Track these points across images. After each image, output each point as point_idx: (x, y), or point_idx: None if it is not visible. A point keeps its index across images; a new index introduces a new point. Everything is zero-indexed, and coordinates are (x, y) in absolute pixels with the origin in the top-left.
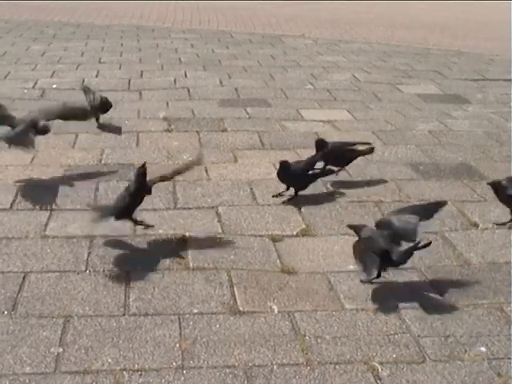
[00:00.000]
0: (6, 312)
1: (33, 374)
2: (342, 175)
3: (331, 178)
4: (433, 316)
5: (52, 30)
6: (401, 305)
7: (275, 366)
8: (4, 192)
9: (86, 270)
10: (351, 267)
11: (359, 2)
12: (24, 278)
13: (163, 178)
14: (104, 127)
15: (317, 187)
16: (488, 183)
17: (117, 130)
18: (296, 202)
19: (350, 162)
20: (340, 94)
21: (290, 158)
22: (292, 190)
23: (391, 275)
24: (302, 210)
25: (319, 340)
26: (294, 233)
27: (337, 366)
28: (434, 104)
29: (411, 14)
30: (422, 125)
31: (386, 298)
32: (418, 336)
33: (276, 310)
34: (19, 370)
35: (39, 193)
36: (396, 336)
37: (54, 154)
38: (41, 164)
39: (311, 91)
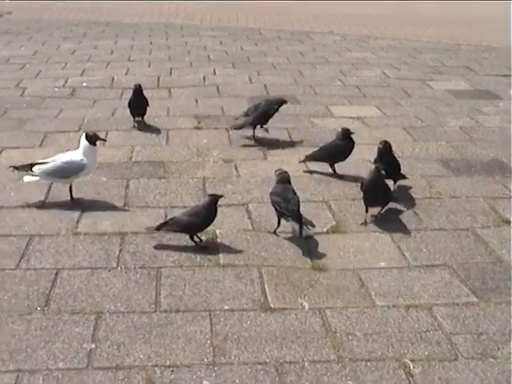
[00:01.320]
0: (39, 308)
1: (66, 369)
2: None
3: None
4: (465, 313)
5: (82, 29)
6: (432, 302)
7: (306, 363)
8: (36, 189)
9: (117, 267)
10: (382, 264)
11: None
12: (56, 274)
13: None
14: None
15: (346, 184)
16: None
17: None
18: (326, 199)
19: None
20: (369, 90)
21: None
22: None
23: (422, 271)
24: (332, 206)
25: (350, 337)
26: (325, 230)
27: (368, 363)
28: (464, 100)
29: (440, 10)
30: (453, 121)
31: (418, 295)
32: (450, 333)
33: (307, 307)
34: (53, 366)
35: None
36: (428, 333)
37: None
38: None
39: (340, 88)
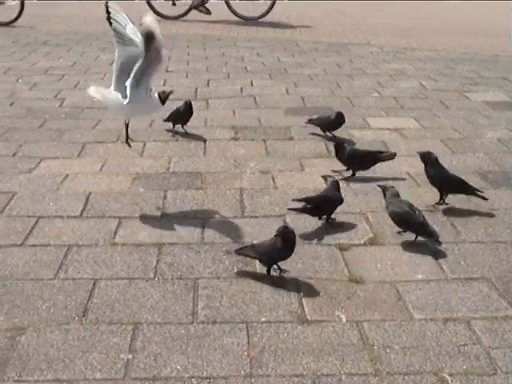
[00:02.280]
0: (76, 318)
1: (103, 379)
2: (410, 183)
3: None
4: (504, 327)
5: None
6: (471, 315)
7: (343, 376)
8: (74, 200)
9: (154, 278)
10: (420, 276)
11: (425, 9)
12: (94, 284)
13: None
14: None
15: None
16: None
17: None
18: (363, 210)
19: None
20: (407, 101)
21: None
22: None
23: (460, 284)
24: (370, 218)
25: (388, 350)
26: (362, 241)
27: (406, 377)
28: (502, 112)
29: (478, 21)
30: (491, 133)
31: (456, 309)
32: (489, 347)
33: (344, 320)
34: (90, 376)
35: (108, 200)
36: (466, 347)
37: (122, 162)
38: (110, 172)
39: (378, 99)
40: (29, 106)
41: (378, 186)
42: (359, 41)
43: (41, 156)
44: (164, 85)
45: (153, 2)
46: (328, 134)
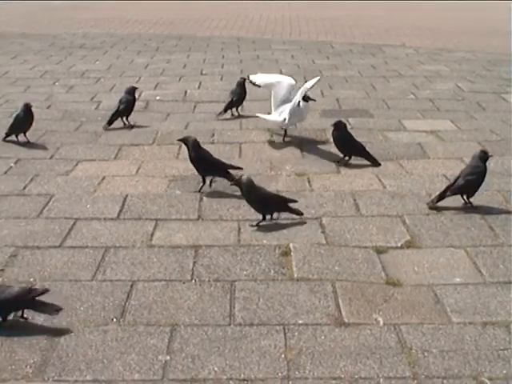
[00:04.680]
0: (114, 319)
1: (141, 380)
2: (446, 185)
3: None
4: None
5: (155, 43)
6: (510, 319)
7: (381, 379)
8: (111, 202)
9: (191, 280)
10: (457, 280)
11: (460, 10)
12: (131, 286)
13: None
14: None
15: (420, 198)
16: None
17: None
18: (400, 213)
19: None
20: (443, 103)
21: (393, 169)
22: None
23: (499, 288)
24: (407, 221)
25: (426, 353)
26: (399, 244)
27: (444, 381)
28: None
29: None
30: None
31: (495, 312)
32: None
33: (381, 322)
34: (128, 377)
35: (145, 203)
36: (505, 351)
37: (158, 164)
38: (146, 174)
39: (413, 101)
40: (65, 109)
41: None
42: (394, 42)
43: (78, 158)
44: (199, 87)
45: None
46: None
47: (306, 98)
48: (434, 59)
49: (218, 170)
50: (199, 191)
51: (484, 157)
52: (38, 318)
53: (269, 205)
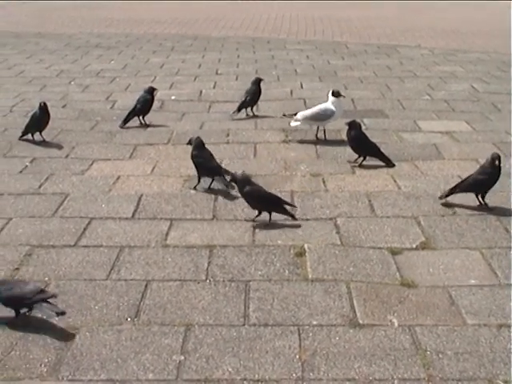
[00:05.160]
0: (129, 319)
1: (155, 380)
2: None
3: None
4: None
5: (170, 43)
6: None
7: (396, 381)
8: (126, 201)
9: (206, 280)
10: (472, 281)
11: (475, 11)
12: (146, 285)
13: None
14: None
15: (435, 199)
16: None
17: None
18: (415, 214)
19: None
20: (458, 104)
21: (408, 169)
22: None
23: None
24: (422, 222)
25: (441, 355)
26: (414, 246)
27: (459, 383)
28: None
29: None
30: None
31: (510, 314)
32: None
33: (396, 324)
34: (142, 377)
35: (160, 202)
36: None
37: (173, 164)
38: (161, 174)
39: (428, 102)
40: (81, 108)
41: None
42: (409, 43)
43: (93, 158)
44: (214, 87)
45: None
46: None
47: (335, 94)
48: (449, 60)
49: (215, 173)
50: (194, 188)
51: (496, 158)
52: (53, 318)
53: (262, 202)
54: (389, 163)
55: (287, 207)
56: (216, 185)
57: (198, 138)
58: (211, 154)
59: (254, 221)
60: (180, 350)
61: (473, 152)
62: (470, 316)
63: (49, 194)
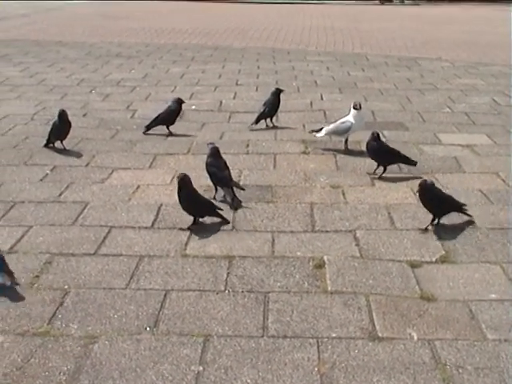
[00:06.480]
0: (148, 328)
1: None
2: (482, 199)
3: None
4: None
5: (190, 53)
6: None
7: None
8: (146, 211)
9: (225, 290)
10: (493, 296)
11: (496, 24)
12: (165, 295)
13: None
14: None
15: (456, 213)
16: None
17: None
18: (436, 227)
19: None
20: (479, 117)
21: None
22: None
23: None
24: (442, 235)
25: (461, 370)
26: (434, 259)
27: None
28: None
29: None
30: None
31: None
32: None
33: (416, 338)
34: None
35: (179, 212)
36: None
37: (193, 174)
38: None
39: (449, 115)
40: (101, 117)
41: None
42: (430, 55)
43: (113, 166)
44: (234, 98)
45: None
46: None
47: (356, 107)
48: (470, 73)
49: (224, 184)
50: (213, 198)
51: None
52: (72, 326)
53: (197, 206)
54: (411, 162)
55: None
56: (220, 196)
57: (214, 145)
58: (225, 164)
59: (189, 229)
60: (199, 360)
61: (493, 165)
62: (490, 331)
63: (69, 203)
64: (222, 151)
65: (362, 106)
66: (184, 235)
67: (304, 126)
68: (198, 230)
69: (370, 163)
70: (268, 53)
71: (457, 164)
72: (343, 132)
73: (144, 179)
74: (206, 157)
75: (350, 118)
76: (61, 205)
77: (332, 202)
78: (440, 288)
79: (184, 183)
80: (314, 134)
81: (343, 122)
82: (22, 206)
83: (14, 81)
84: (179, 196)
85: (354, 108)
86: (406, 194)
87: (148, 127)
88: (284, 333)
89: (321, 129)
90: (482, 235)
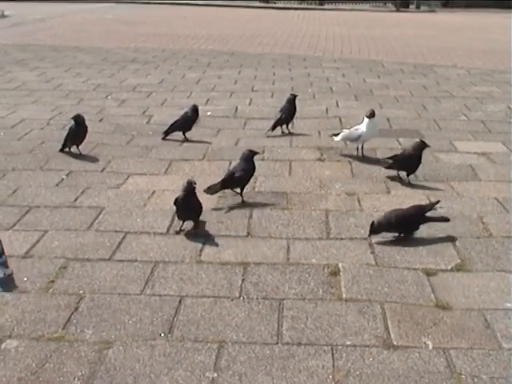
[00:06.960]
0: (162, 334)
1: None
2: (498, 208)
3: None
4: None
5: (206, 59)
6: None
7: None
8: (161, 216)
9: (239, 297)
10: (508, 305)
11: None
12: (180, 301)
13: None
14: None
15: (471, 221)
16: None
17: None
18: (451, 235)
19: None
20: (495, 125)
21: (444, 190)
22: None
23: None
24: (457, 243)
25: (476, 379)
26: (449, 267)
27: None
28: None
29: None
30: None
31: None
32: None
33: (430, 346)
34: None
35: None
36: None
37: (208, 180)
38: (197, 190)
39: (465, 122)
40: (117, 123)
41: None
42: (445, 63)
43: (128, 172)
44: (250, 104)
45: None
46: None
47: (369, 116)
48: (486, 80)
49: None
50: (242, 202)
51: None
52: (87, 331)
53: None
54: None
55: None
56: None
57: (248, 150)
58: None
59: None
60: (213, 366)
61: (509, 174)
62: (505, 340)
63: (84, 208)
64: (237, 157)
65: (376, 113)
66: (199, 241)
67: (319, 132)
68: (213, 236)
69: (385, 170)
70: (284, 59)
71: (472, 172)
72: (354, 139)
73: (159, 185)
74: (220, 163)
75: (363, 126)
76: (76, 210)
77: (347, 210)
78: (455, 296)
79: (194, 189)
80: (332, 137)
81: (356, 129)
82: (37, 211)
83: (30, 85)
84: (188, 201)
85: (366, 116)
86: (421, 202)
87: (166, 133)
88: (298, 340)
89: (339, 133)
90: (498, 244)
